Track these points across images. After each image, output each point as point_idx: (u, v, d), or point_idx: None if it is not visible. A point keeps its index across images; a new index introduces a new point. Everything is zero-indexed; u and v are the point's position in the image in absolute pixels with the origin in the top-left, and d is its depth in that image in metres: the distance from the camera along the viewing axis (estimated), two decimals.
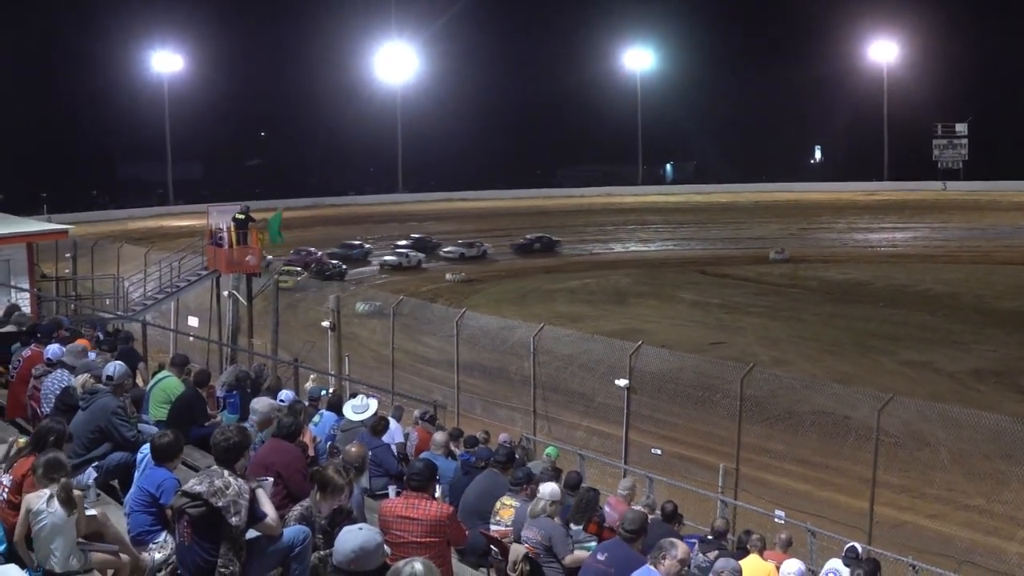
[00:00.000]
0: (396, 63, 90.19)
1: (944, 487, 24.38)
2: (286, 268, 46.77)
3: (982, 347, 46.41)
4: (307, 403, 18.53)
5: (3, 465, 10.14)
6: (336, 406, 17.57)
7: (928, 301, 57.68)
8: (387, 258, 66.67)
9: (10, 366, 16.31)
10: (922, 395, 32.00)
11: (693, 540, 14.67)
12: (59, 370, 14.34)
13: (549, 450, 20.42)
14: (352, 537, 6.58)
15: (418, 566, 5.81)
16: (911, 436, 24.20)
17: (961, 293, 59.24)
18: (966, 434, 24.96)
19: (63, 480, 9.09)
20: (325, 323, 33.95)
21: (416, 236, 70.92)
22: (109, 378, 13.15)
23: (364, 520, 10.23)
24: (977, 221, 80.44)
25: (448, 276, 63.53)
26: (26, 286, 30.00)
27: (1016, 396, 38.29)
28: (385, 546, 6.77)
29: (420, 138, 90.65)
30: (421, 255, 67.50)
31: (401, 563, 5.89)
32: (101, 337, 20.41)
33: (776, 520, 20.77)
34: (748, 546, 15.05)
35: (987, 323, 51.60)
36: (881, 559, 16.50)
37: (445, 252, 68.59)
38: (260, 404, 14.10)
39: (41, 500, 8.93)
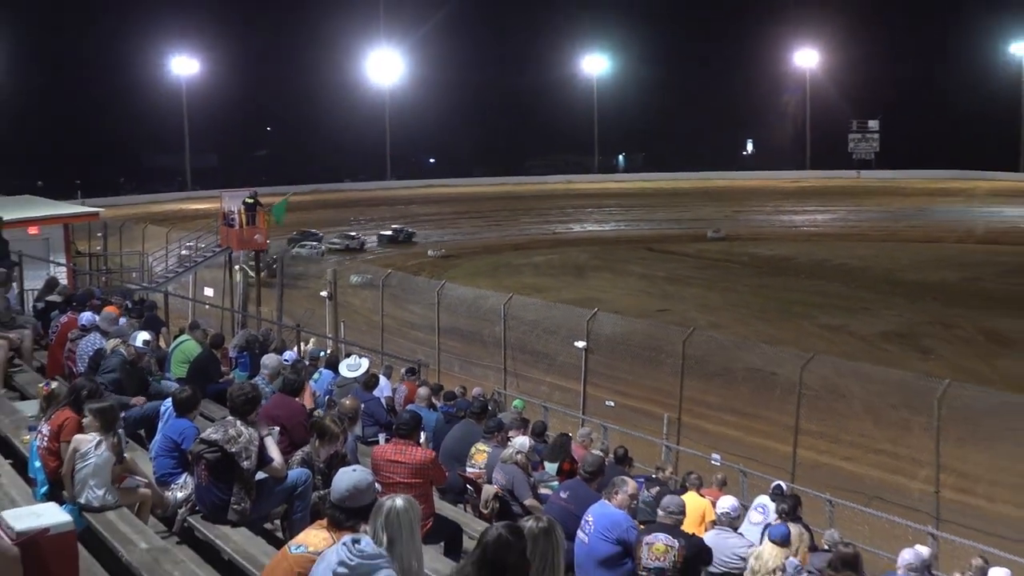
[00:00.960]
0: (385, 67, 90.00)
1: (856, 433, 24.51)
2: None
3: (889, 313, 46.59)
4: (308, 362, 18.54)
5: (42, 416, 10.16)
6: (333, 365, 17.59)
7: (843, 274, 57.88)
8: (334, 240, 65.94)
9: (49, 331, 16.38)
10: (838, 354, 32.10)
11: (641, 479, 14.70)
12: (92, 334, 14.37)
13: (516, 403, 20.41)
14: (347, 477, 6.55)
15: (399, 501, 5.79)
16: (828, 389, 24.29)
17: (872, 267, 59.47)
18: (875, 387, 25.09)
19: (120, 432, 9.11)
20: (323, 293, 33.91)
21: (396, 227, 70.22)
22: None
23: (358, 463, 10.25)
24: (886, 205, 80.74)
25: (430, 252, 63.32)
26: (63, 261, 29.84)
27: (918, 355, 38.49)
28: (376, 485, 6.76)
29: (406, 131, 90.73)
30: (363, 239, 66.90)
31: (384, 498, 5.89)
32: (129, 305, 20.29)
33: (712, 462, 20.85)
34: (687, 484, 15.11)
35: (894, 292, 51.78)
36: (802, 495, 16.56)
37: (330, 243, 66.96)
38: (270, 360, 14.23)
39: (90, 444, 8.99)
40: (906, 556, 10.47)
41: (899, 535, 17.44)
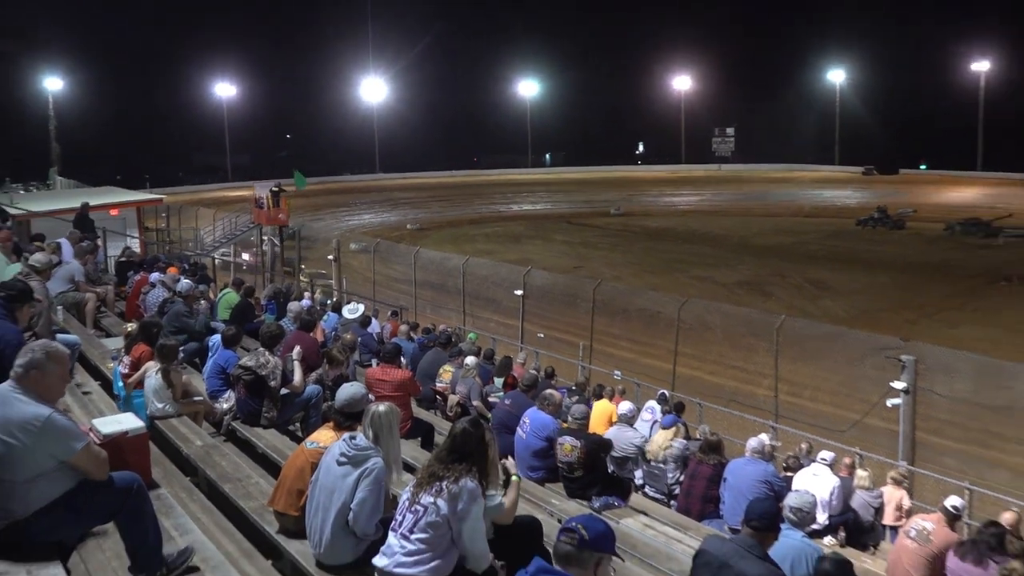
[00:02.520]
0: (373, 89, 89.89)
1: (718, 355, 24.74)
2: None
3: (742, 267, 47.00)
4: (319, 307, 18.50)
5: (123, 351, 10.21)
6: (337, 309, 17.60)
7: (709, 239, 58.35)
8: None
9: (127, 286, 16.43)
10: (705, 297, 32.34)
11: (563, 390, 14.77)
12: (158, 288, 14.34)
13: (471, 335, 20.50)
14: (346, 390, 6.55)
15: (381, 407, 5.80)
16: (698, 323, 24.48)
17: (729, 234, 59.95)
18: (732, 321, 25.29)
19: (178, 364, 9.29)
20: (330, 256, 33.73)
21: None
22: (178, 292, 13.53)
23: (356, 381, 10.24)
24: (739, 189, 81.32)
25: (408, 226, 63.09)
26: (136, 235, 29.77)
27: (762, 298, 38.85)
28: (369, 397, 6.75)
29: (390, 135, 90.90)
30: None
31: (371, 405, 5.91)
32: (186, 267, 20.19)
33: (615, 376, 20.98)
34: (604, 394, 15.29)
35: (746, 253, 52.23)
36: (682, 400, 16.74)
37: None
38: (293, 306, 14.21)
39: (154, 369, 9.05)
40: (752, 443, 10.58)
41: (749, 427, 17.66)
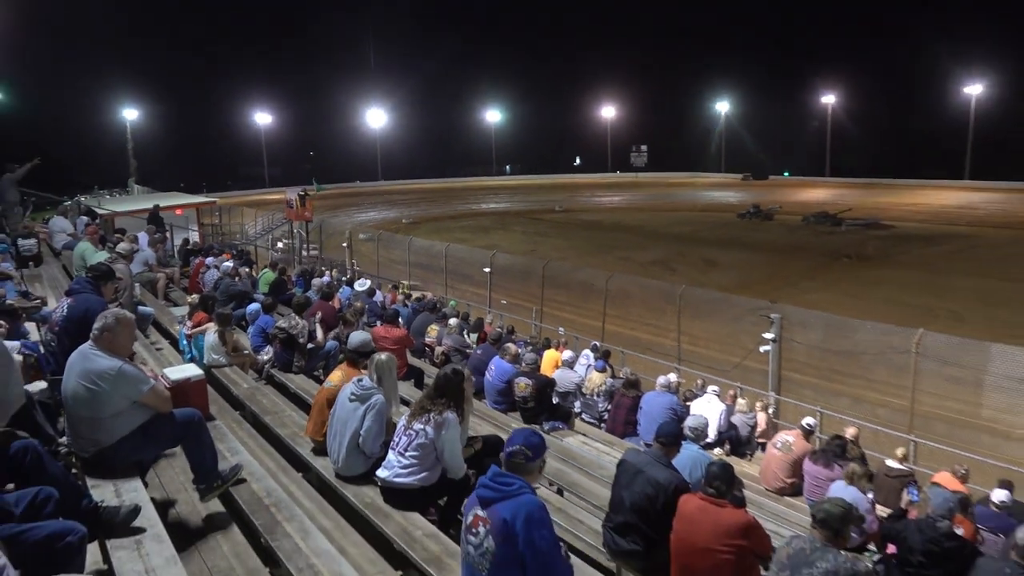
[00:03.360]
0: (376, 117, 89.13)
1: (637, 316, 24.74)
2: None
3: (653, 250, 47.08)
4: (335, 282, 18.29)
5: (187, 317, 10.11)
6: (350, 283, 17.38)
7: (629, 229, 58.27)
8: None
9: (189, 267, 16.11)
10: (627, 272, 32.41)
11: (520, 343, 14.79)
12: (212, 270, 14.12)
13: (452, 302, 20.42)
14: (357, 336, 6.55)
15: (383, 356, 5.82)
16: (621, 292, 24.47)
17: (644, 226, 59.92)
18: (647, 290, 25.36)
19: (230, 327, 9.18)
20: (344, 244, 33.43)
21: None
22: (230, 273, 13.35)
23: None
24: (651, 192, 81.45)
25: (403, 220, 62.36)
26: (195, 228, 29.30)
27: (668, 272, 38.99)
28: (372, 344, 6.73)
29: (390, 151, 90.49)
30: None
31: (376, 354, 5.92)
32: (234, 253, 19.94)
33: (559, 332, 21.01)
34: (552, 345, 15.27)
35: (658, 239, 52.32)
36: (610, 349, 16.79)
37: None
38: (316, 281, 14.13)
39: (211, 331, 8.94)
40: (661, 380, 10.65)
41: (659, 369, 17.73)
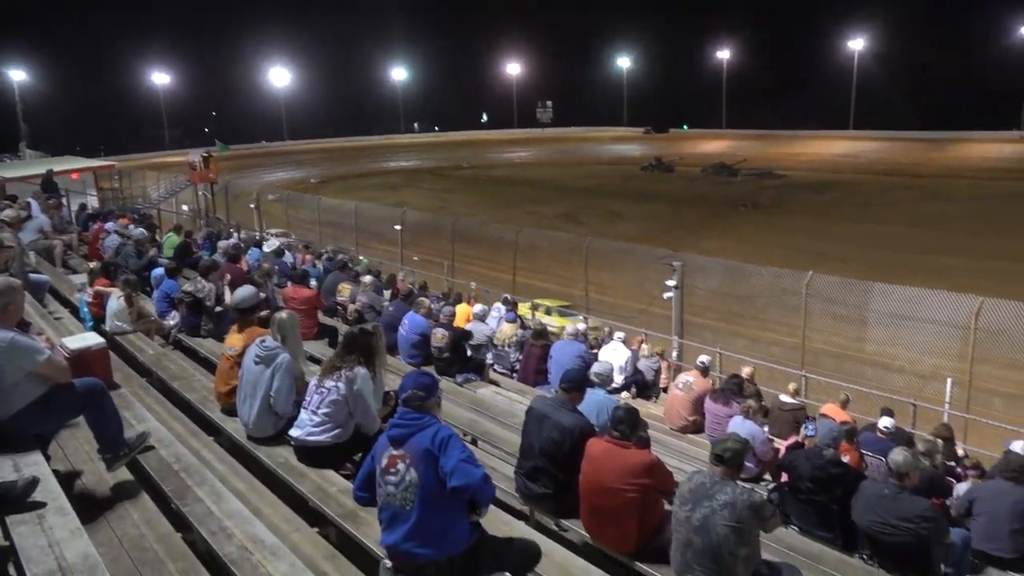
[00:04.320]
0: (280, 76, 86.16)
1: (546, 268, 24.88)
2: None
3: (560, 203, 47.41)
4: (243, 244, 17.72)
5: (87, 284, 9.69)
6: (258, 245, 16.87)
7: (536, 183, 58.42)
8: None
9: (88, 233, 15.34)
10: (535, 226, 32.59)
11: (433, 297, 14.73)
12: (112, 235, 13.47)
13: (364, 260, 20.15)
14: (239, 292, 6.45)
15: (283, 314, 5.73)
16: (531, 245, 24.56)
17: (551, 180, 60.17)
18: (554, 243, 25.49)
19: (135, 290, 8.85)
20: (251, 205, 32.39)
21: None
22: (132, 238, 12.67)
23: (276, 299, 9.98)
24: (557, 147, 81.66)
25: (312, 180, 60.80)
26: (94, 193, 27.97)
27: (575, 225, 39.42)
28: (260, 295, 6.57)
29: (296, 109, 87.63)
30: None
31: (276, 313, 5.82)
32: (136, 217, 19.07)
33: (471, 286, 21.03)
34: (464, 300, 15.27)
35: (564, 193, 52.66)
36: (519, 301, 16.90)
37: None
38: (223, 244, 13.62)
39: (115, 295, 8.58)
40: (568, 329, 10.80)
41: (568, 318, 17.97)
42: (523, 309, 18.64)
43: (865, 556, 5.66)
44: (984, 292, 15.45)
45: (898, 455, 5.65)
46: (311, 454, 5.16)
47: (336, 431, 5.08)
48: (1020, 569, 6.48)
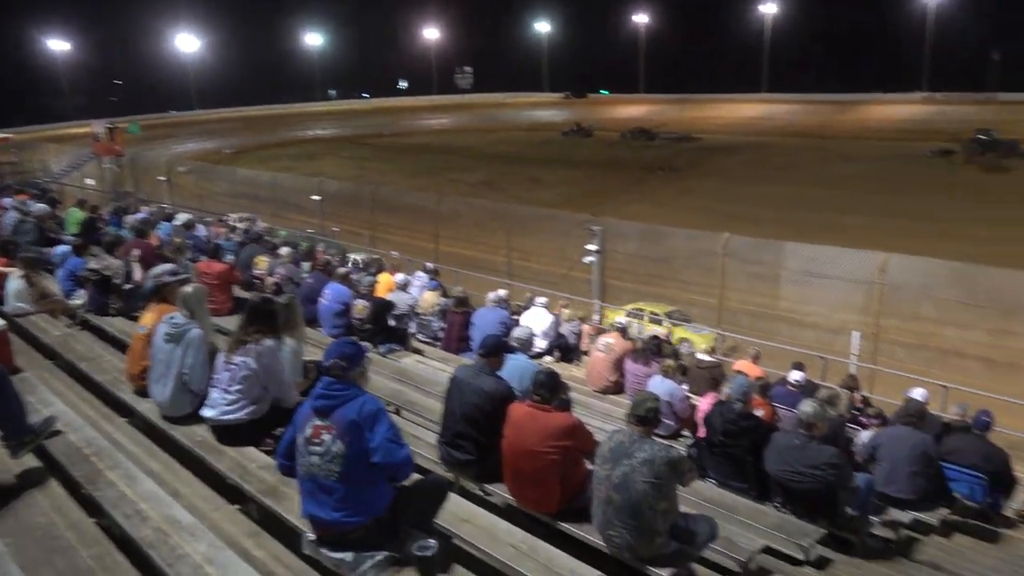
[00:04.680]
0: (187, 43, 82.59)
1: (468, 236, 24.71)
2: None
3: (481, 170, 47.27)
4: (153, 218, 17.08)
5: None
6: (168, 219, 16.27)
7: (457, 151, 57.99)
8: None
9: None
10: (456, 193, 32.42)
11: (354, 268, 14.54)
12: (11, 211, 12.79)
13: (282, 232, 19.75)
14: (156, 269, 6.21)
15: (189, 288, 5.57)
16: (453, 213, 24.47)
17: (471, 147, 59.82)
18: (478, 211, 25.46)
19: (34, 269, 8.42)
20: (162, 177, 31.21)
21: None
22: (33, 214, 12.03)
23: (189, 275, 9.66)
24: (477, 113, 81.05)
25: (225, 151, 58.76)
26: None
27: (496, 192, 39.36)
28: (172, 270, 6.40)
29: (205, 77, 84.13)
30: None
31: (181, 288, 5.67)
32: (36, 192, 18.16)
33: (393, 255, 20.83)
34: (385, 269, 15.09)
35: (485, 160, 52.46)
36: (441, 269, 16.82)
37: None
38: (130, 219, 13.14)
39: (15, 275, 8.20)
40: (491, 296, 10.83)
41: (491, 285, 17.98)
42: (611, 315, 17.16)
43: (778, 504, 5.92)
44: (886, 248, 16.17)
45: (807, 406, 5.90)
46: (229, 433, 5.04)
47: (251, 408, 4.98)
48: (918, 508, 6.88)
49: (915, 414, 7.18)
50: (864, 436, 7.74)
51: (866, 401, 10.14)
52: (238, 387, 4.91)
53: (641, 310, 19.10)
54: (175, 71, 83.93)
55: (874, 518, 6.42)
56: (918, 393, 8.37)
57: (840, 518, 5.83)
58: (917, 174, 40.53)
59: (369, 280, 9.95)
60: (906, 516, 6.78)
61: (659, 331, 10.93)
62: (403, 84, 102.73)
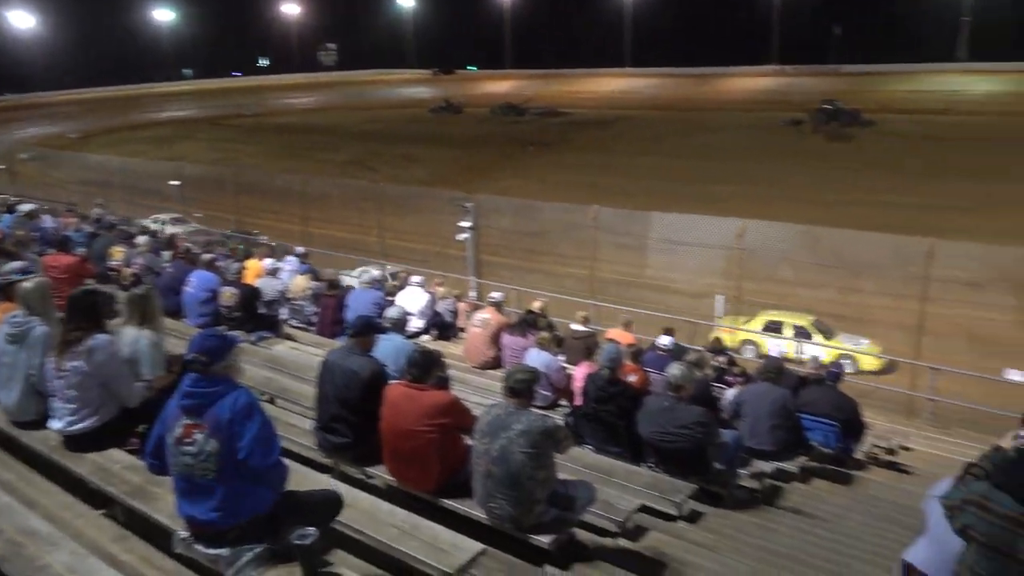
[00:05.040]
0: (21, 19, 76.54)
1: (339, 218, 24.17)
2: None
3: (351, 150, 46.33)
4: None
5: None
6: (11, 209, 15.09)
7: (322, 130, 56.37)
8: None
9: None
10: (325, 174, 31.71)
11: (221, 256, 13.99)
12: None
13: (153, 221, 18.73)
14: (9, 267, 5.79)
15: (28, 284, 5.20)
16: (321, 195, 24.02)
17: (339, 126, 58.30)
18: (348, 191, 25.03)
19: None
20: (1, 165, 28.95)
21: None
22: None
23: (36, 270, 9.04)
24: (343, 91, 79.10)
25: (71, 135, 54.73)
26: None
27: (367, 171, 38.76)
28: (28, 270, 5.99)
29: (47, 58, 78.01)
30: None
31: (21, 284, 5.28)
32: None
33: (261, 239, 20.18)
34: (253, 255, 14.59)
35: (353, 139, 51.34)
36: (313, 254, 16.42)
37: None
38: None
39: None
40: (364, 276, 10.68)
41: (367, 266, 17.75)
42: (740, 329, 16.27)
43: (651, 464, 6.18)
44: (747, 215, 17.07)
45: (674, 369, 6.18)
46: (82, 442, 4.74)
47: (95, 416, 4.68)
48: (779, 458, 7.36)
49: (773, 370, 7.64)
50: (729, 394, 8.17)
51: (731, 361, 10.69)
52: (74, 394, 4.59)
53: (778, 321, 17.37)
54: (9, 50, 77.50)
55: (741, 471, 6.82)
56: (775, 350, 8.89)
57: (709, 473, 6.16)
58: (772, 143, 42.78)
59: (236, 267, 9.60)
60: (769, 466, 7.24)
61: (818, 353, 10.90)
62: (264, 62, 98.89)
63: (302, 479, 4.55)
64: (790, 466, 7.44)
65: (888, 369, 15.76)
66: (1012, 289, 17.35)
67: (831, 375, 8.40)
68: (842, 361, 14.89)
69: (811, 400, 8.06)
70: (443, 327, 11.93)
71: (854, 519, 6.60)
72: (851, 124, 46.31)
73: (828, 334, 17.10)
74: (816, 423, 7.93)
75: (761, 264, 16.54)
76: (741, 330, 16.79)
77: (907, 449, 10.01)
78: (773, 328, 17.01)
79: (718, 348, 10.90)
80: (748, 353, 15.89)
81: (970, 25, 64.01)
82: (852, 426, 8.14)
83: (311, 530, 3.73)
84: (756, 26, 73.45)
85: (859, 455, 8.57)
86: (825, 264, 16.67)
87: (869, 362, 16.28)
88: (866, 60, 63.68)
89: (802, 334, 16.70)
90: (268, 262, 11.62)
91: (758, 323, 17.28)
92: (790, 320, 17.32)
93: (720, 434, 6.37)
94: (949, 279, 16.13)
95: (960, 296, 16.88)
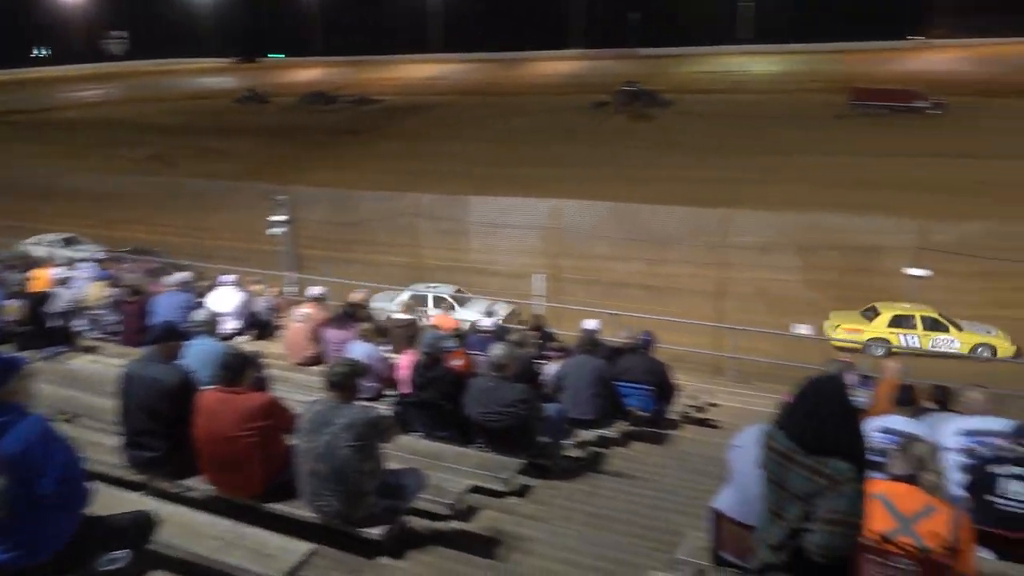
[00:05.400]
0: None
1: (143, 218, 22.67)
2: None
3: (149, 145, 42.87)
4: None
5: None
6: None
7: (118, 124, 51.90)
8: None
9: None
10: (123, 171, 29.44)
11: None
12: None
13: None
14: None
15: None
16: (119, 194, 22.28)
17: (135, 119, 53.73)
18: (149, 189, 23.49)
19: None
20: None
21: None
22: None
23: None
24: (138, 82, 73.48)
25: None
26: None
27: (169, 168, 36.41)
28: None
29: None
30: None
31: None
32: None
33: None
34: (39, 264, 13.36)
35: (152, 132, 47.60)
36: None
37: None
38: None
39: None
40: (170, 280, 10.08)
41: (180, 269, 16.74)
42: (868, 325, 15.36)
43: (480, 444, 6.28)
44: (559, 195, 17.67)
45: (496, 349, 6.30)
46: None
47: None
48: (601, 426, 7.72)
49: (589, 343, 7.98)
50: (550, 369, 8.44)
51: (550, 336, 11.04)
52: None
53: (905, 316, 16.40)
54: None
55: (566, 442, 7.08)
56: (591, 324, 9.28)
57: (535, 447, 6.35)
58: (581, 125, 44.38)
59: (16, 278, 8.73)
60: (592, 435, 7.58)
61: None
62: (41, 52, 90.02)
63: (111, 500, 4.26)
64: (611, 432, 7.81)
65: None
66: (798, 252, 19.10)
67: (643, 343, 8.87)
68: (979, 349, 15.51)
69: (626, 368, 8.49)
70: (261, 326, 11.48)
71: (670, 475, 7.04)
72: (651, 105, 48.91)
73: (956, 325, 16.51)
74: (632, 389, 8.37)
75: (576, 242, 17.20)
76: (868, 330, 16.45)
77: (715, 405, 10.80)
78: (904, 323, 16.43)
79: (539, 325, 11.22)
80: (878, 351, 15.66)
81: (754, 9, 69.51)
82: (664, 389, 8.66)
83: (121, 554, 3.50)
84: (560, 11, 75.77)
85: (673, 415, 9.14)
86: (635, 239, 17.60)
87: (1006, 348, 16.15)
88: (662, 43, 67.74)
89: (933, 326, 16.30)
90: (56, 271, 10.68)
91: (883, 320, 16.67)
92: (919, 312, 16.62)
93: (543, 408, 6.57)
94: (744, 246, 17.55)
95: (754, 261, 18.38)
